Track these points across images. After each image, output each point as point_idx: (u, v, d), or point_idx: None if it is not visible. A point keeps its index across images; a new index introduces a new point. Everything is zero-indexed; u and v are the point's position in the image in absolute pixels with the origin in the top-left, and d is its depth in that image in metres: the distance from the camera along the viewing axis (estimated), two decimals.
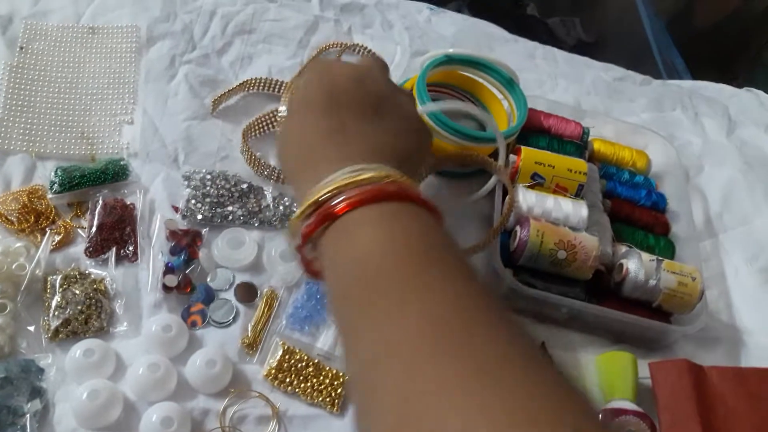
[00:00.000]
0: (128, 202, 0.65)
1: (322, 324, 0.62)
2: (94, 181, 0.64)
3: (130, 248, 0.63)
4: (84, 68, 0.73)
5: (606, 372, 0.64)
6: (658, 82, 1.03)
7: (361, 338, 0.37)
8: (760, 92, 1.06)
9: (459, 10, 1.11)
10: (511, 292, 0.66)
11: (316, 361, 0.59)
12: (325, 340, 0.62)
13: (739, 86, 1.08)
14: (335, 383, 0.59)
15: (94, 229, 0.62)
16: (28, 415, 0.51)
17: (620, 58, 1.08)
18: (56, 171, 0.64)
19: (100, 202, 0.64)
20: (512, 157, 0.74)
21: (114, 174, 0.65)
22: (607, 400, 0.62)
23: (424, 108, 0.70)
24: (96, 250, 0.62)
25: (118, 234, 0.63)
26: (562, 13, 2.17)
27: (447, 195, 0.77)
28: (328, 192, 0.42)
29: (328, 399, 0.58)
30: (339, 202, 0.42)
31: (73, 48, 0.74)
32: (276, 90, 0.78)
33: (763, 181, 0.89)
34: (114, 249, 0.62)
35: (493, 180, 0.73)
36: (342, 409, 0.58)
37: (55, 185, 0.63)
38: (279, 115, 0.74)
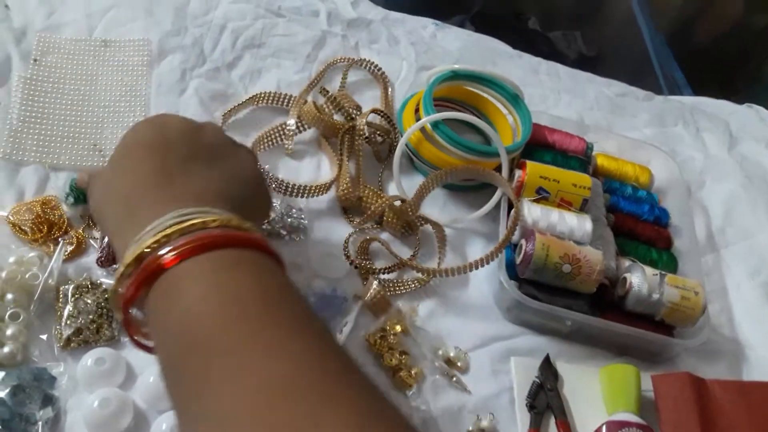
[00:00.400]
0: None
1: (333, 332, 0.63)
2: None
3: None
4: (97, 81, 0.75)
5: (609, 384, 0.65)
6: (660, 98, 1.04)
7: (201, 420, 0.33)
8: (761, 108, 1.08)
9: (462, 24, 1.13)
10: (516, 305, 0.67)
11: None
12: None
13: (740, 101, 1.10)
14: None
15: (106, 239, 0.63)
16: (40, 423, 0.52)
17: (621, 71, 1.10)
18: (71, 183, 0.65)
19: None
20: (517, 171, 0.75)
21: None
22: (610, 412, 0.63)
23: (428, 118, 0.71)
24: (107, 260, 0.63)
25: None
26: (564, 27, 2.19)
27: (453, 208, 0.78)
28: (151, 243, 0.37)
29: None
30: (163, 255, 0.36)
31: (86, 61, 0.76)
32: (284, 104, 0.79)
33: (764, 196, 0.90)
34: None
35: (498, 193, 0.74)
36: None
37: (70, 197, 0.64)
38: (287, 128, 0.76)
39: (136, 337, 0.41)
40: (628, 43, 2.24)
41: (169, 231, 0.37)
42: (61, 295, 0.59)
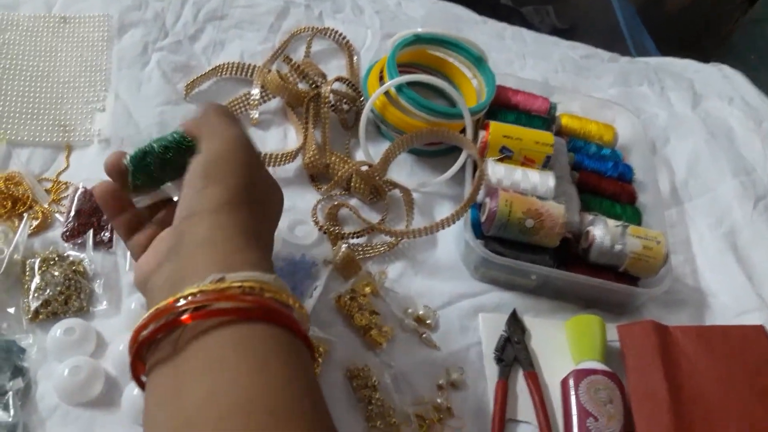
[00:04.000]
0: None
1: (302, 296, 0.64)
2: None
3: (107, 234, 0.63)
4: (56, 57, 0.74)
5: (575, 335, 0.66)
6: (625, 59, 1.05)
7: None
8: (725, 66, 1.09)
9: None
10: (483, 262, 0.68)
11: None
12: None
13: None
14: (315, 354, 0.60)
15: (72, 213, 0.63)
16: (10, 394, 0.52)
17: (593, 43, 1.10)
18: (132, 158, 0.47)
19: (80, 188, 0.64)
20: (481, 132, 0.76)
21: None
22: (576, 361, 0.64)
23: (392, 81, 0.72)
24: (72, 235, 0.63)
25: (95, 220, 0.64)
26: (536, 2, 2.19)
27: (420, 173, 0.78)
28: (210, 289, 0.37)
29: None
30: (200, 310, 0.36)
31: (45, 37, 0.75)
32: (248, 74, 0.79)
33: (726, 151, 0.92)
34: (91, 232, 0.63)
35: (463, 156, 0.75)
36: (320, 377, 0.60)
37: (136, 178, 0.47)
38: (252, 98, 0.76)
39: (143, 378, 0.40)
40: (600, 15, 2.25)
41: (227, 284, 0.37)
42: (27, 269, 0.59)
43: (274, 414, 0.33)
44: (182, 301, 0.37)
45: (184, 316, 0.36)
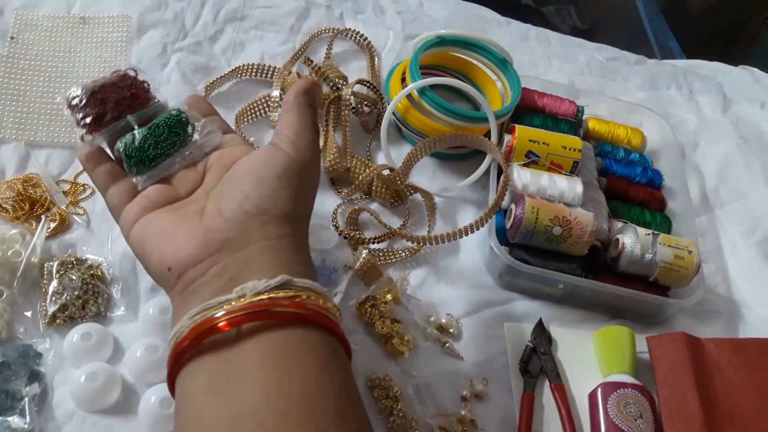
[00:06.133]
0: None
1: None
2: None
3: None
4: (75, 58, 0.73)
5: (603, 346, 0.64)
6: (652, 62, 1.03)
7: None
8: (755, 69, 1.06)
9: None
10: (508, 270, 0.66)
11: None
12: None
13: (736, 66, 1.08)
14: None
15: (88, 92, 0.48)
16: (26, 399, 0.51)
17: (616, 43, 1.07)
18: (124, 146, 0.47)
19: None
20: (506, 136, 0.74)
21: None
22: (605, 374, 0.62)
23: (415, 84, 0.70)
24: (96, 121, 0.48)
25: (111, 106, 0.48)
26: (557, 2, 2.17)
27: (442, 177, 0.77)
28: (250, 300, 0.37)
29: None
30: (235, 318, 0.36)
31: (64, 38, 0.74)
32: (268, 76, 0.78)
33: (759, 156, 0.89)
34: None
35: (487, 160, 0.73)
36: None
37: (132, 164, 0.46)
38: (271, 100, 0.74)
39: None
40: (622, 15, 2.21)
41: (293, 292, 0.38)
42: (45, 272, 0.58)
43: (340, 414, 0.35)
44: (246, 301, 0.37)
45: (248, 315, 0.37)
